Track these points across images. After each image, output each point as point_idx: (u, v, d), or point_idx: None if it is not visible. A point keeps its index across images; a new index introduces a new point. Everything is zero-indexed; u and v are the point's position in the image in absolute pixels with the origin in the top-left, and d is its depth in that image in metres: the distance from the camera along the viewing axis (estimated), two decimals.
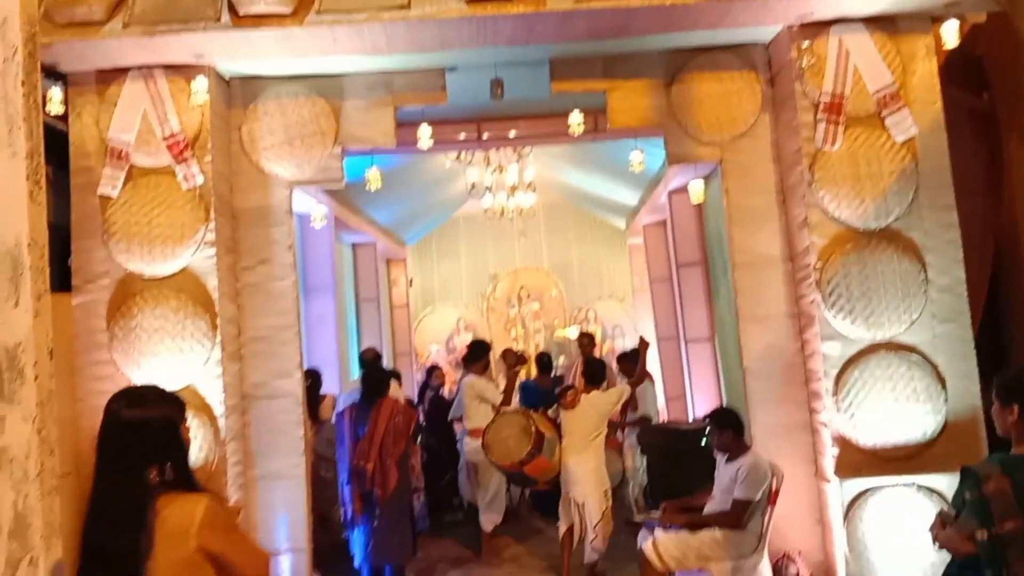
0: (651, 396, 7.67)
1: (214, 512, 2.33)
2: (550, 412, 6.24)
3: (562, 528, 5.98)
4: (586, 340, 8.81)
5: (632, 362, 7.38)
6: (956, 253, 4.79)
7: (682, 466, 6.29)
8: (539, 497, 7.63)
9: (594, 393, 6.13)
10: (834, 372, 4.80)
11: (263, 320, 5.13)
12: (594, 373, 6.28)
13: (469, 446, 6.62)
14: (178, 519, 2.29)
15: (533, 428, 5.76)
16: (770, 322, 5.15)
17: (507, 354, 7.21)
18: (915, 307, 4.74)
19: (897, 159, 4.80)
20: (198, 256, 4.84)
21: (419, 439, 7.32)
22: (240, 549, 2.35)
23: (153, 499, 2.30)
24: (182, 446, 2.42)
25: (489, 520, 6.65)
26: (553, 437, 5.93)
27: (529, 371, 9.88)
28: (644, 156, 5.91)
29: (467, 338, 13.01)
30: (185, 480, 2.38)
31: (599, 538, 5.77)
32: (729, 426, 4.71)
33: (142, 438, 2.34)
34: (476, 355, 6.88)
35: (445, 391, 8.82)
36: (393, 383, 6.12)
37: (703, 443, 6.41)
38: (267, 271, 5.14)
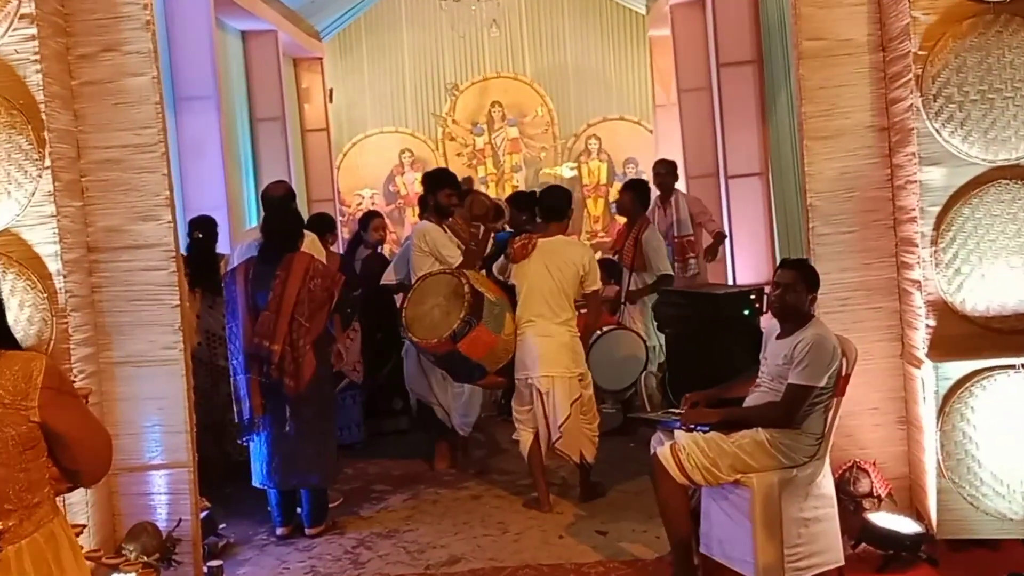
0: (661, 247, 7.88)
1: (56, 373, 2.39)
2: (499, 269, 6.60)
3: (523, 437, 6.30)
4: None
5: (636, 194, 7.86)
6: None
7: (713, 345, 6.51)
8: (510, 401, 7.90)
9: (557, 237, 6.38)
10: (935, 210, 4.86)
11: (114, 136, 5.08)
12: (551, 208, 6.51)
13: None
14: (8, 382, 2.35)
15: (466, 287, 6.02)
16: (847, 139, 5.17)
17: (475, 202, 7.26)
18: None
19: None
20: (9, 38, 4.74)
21: (353, 315, 7.50)
22: (83, 426, 2.41)
23: None
24: None
25: (467, 422, 7.12)
26: (500, 301, 6.25)
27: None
28: None
29: (414, 179, 13.07)
30: (3, 334, 2.42)
31: (569, 439, 6.13)
32: (804, 280, 4.82)
33: None
34: (435, 187, 7.04)
35: (387, 250, 8.89)
36: (311, 237, 6.19)
37: (746, 312, 6.61)
38: (116, 63, 5.05)
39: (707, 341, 6.66)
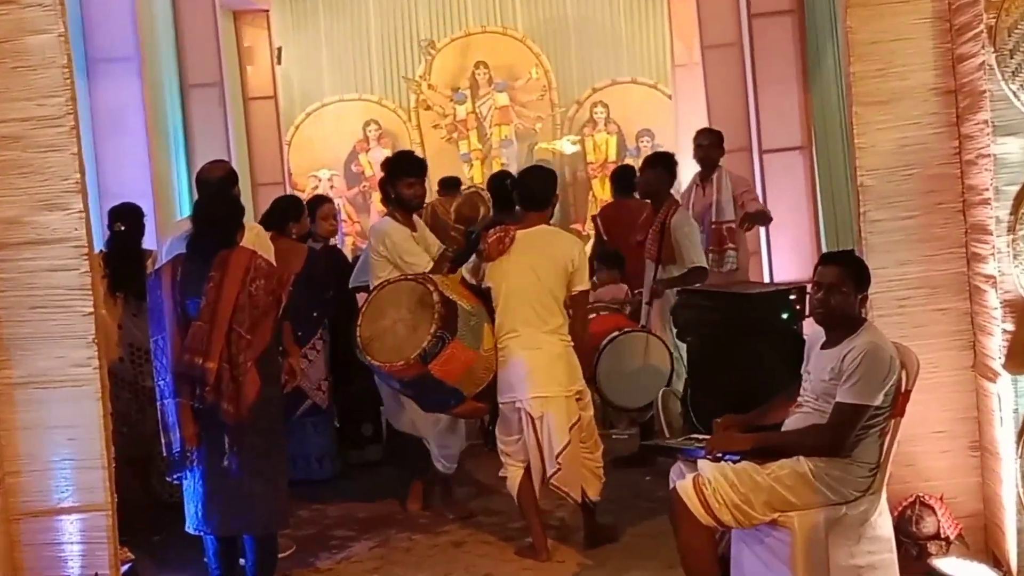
0: (694, 233, 7.84)
1: None
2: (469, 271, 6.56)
3: (511, 473, 6.28)
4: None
5: (664, 171, 7.87)
6: None
7: (744, 357, 6.50)
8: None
9: (539, 228, 6.36)
10: (1012, 190, 4.85)
11: (12, 107, 5.06)
12: (531, 193, 6.47)
13: None
14: None
15: (435, 295, 6.01)
16: (905, 105, 5.17)
17: (467, 202, 7.27)
18: None
19: None
20: None
21: (320, 322, 7.58)
22: None
23: None
24: None
25: (449, 455, 7.07)
26: (477, 309, 6.22)
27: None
28: None
29: (380, 156, 12.92)
30: None
31: (569, 472, 6.08)
32: (851, 277, 4.81)
33: None
34: (394, 174, 7.00)
35: (347, 246, 8.87)
36: (255, 230, 6.13)
37: (785, 316, 6.60)
38: (14, 17, 5.01)
39: (737, 352, 6.65)
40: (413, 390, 6.35)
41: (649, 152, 12.92)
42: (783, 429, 4.92)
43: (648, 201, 8.12)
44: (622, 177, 9.62)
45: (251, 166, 11.80)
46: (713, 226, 8.40)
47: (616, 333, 7.35)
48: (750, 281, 8.59)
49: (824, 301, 4.77)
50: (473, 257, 6.48)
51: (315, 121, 13.92)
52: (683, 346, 7.61)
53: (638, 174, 8.53)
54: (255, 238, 6.12)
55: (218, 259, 5.72)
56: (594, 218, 10.19)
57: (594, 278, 8.18)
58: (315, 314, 7.48)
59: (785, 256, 8.79)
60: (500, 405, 6.28)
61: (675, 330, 7.59)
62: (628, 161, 13.26)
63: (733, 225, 8.42)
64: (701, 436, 5.26)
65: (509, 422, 6.26)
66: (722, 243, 8.42)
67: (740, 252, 8.47)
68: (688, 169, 9.03)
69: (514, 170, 12.98)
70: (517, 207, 6.83)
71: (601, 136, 14.12)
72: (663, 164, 8.11)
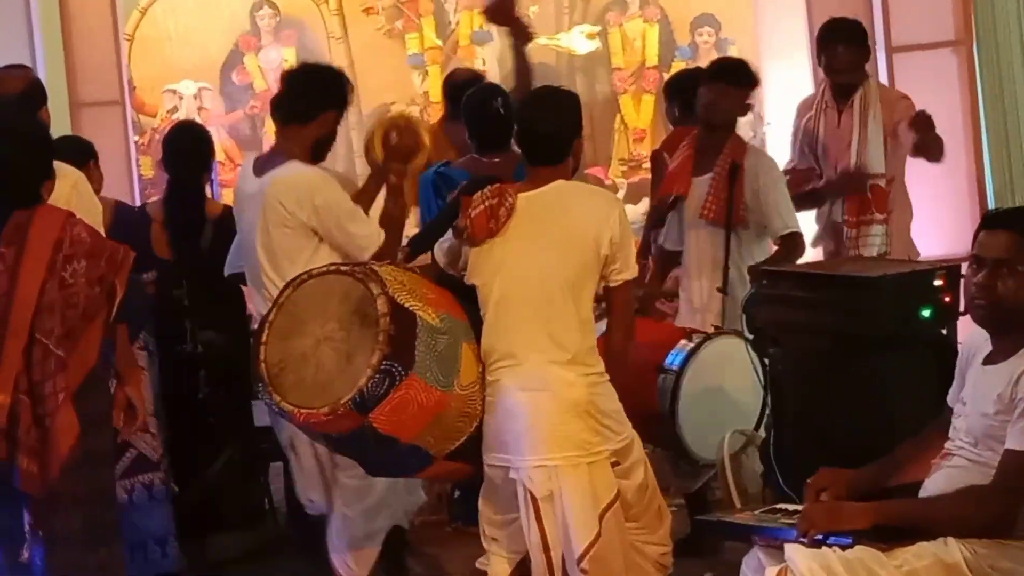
0: (781, 181, 7.99)
1: None
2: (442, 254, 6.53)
3: (494, 567, 6.32)
4: None
5: (733, 87, 7.97)
6: None
7: (860, 379, 6.54)
8: (473, 502, 7.89)
9: (554, 185, 6.34)
10: None
11: None
12: (538, 134, 6.39)
13: None
14: None
15: (381, 301, 5.92)
16: None
17: (403, 129, 7.37)
18: None
19: None
20: None
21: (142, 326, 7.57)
22: None
23: None
24: None
25: (368, 552, 7.13)
26: (448, 322, 6.20)
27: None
28: None
29: (278, 59, 13.22)
30: None
31: (605, 569, 6.05)
32: None
33: None
34: (308, 99, 7.12)
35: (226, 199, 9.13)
36: (71, 178, 6.24)
37: (925, 313, 6.62)
38: None
39: (847, 370, 6.68)
40: (349, 450, 6.36)
41: (711, 52, 13.02)
42: (921, 494, 4.94)
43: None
44: (685, 88, 9.50)
45: (69, 78, 11.87)
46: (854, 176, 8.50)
47: (700, 340, 7.42)
48: (868, 258, 8.47)
49: (989, 287, 4.77)
50: (448, 234, 6.42)
51: (172, 5, 14.06)
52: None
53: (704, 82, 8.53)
54: (72, 192, 6.13)
55: (9, 226, 5.74)
56: (657, 155, 9.90)
57: (647, 258, 8.28)
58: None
59: (926, 217, 8.80)
60: (486, 467, 6.25)
61: (750, 337, 7.62)
62: (680, 65, 13.31)
63: (884, 181, 8.49)
64: (791, 507, 5.27)
65: (497, 494, 6.26)
66: (864, 210, 8.49)
67: (893, 227, 8.52)
68: (775, 88, 9.10)
69: (496, 80, 13.08)
70: (518, 152, 6.86)
71: (634, 26, 14.08)
72: (731, 77, 8.22)
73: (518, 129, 6.70)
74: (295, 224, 6.83)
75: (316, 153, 7.06)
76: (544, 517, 6.02)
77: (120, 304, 5.93)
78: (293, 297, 6.18)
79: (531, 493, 6.03)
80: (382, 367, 5.79)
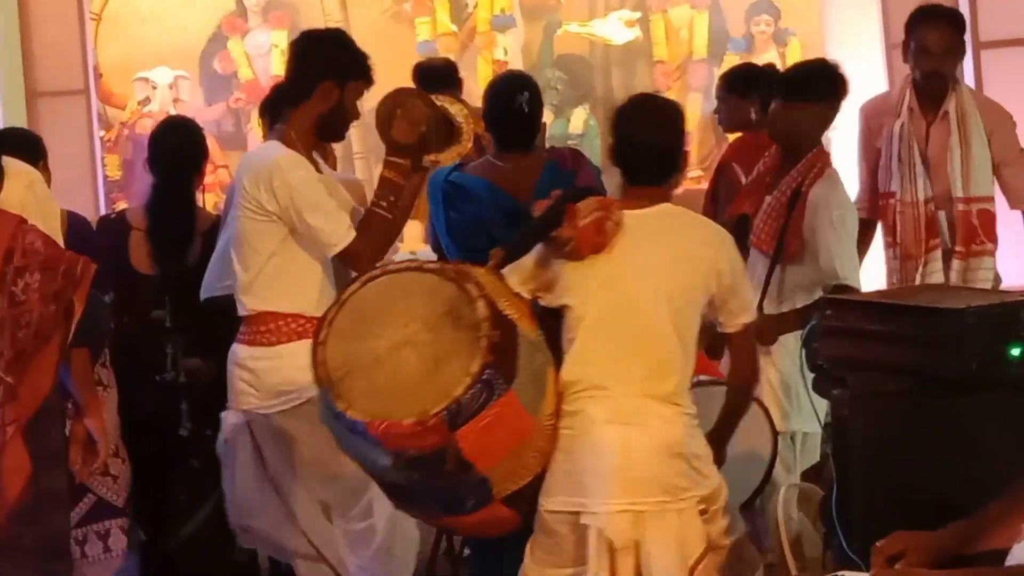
0: (852, 220, 7.91)
1: None
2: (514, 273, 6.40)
3: None
4: None
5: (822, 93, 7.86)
6: None
7: (942, 428, 6.44)
8: (484, 548, 7.97)
9: (660, 208, 6.38)
10: None
11: None
12: (655, 147, 6.47)
13: (251, 362, 7.13)
14: None
15: (482, 305, 5.82)
16: None
17: (409, 108, 7.40)
18: None
19: None
20: None
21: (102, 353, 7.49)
22: None
23: None
24: None
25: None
26: (540, 339, 6.18)
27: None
28: None
29: (267, 45, 13.38)
30: None
31: None
32: None
33: None
34: (299, 73, 7.30)
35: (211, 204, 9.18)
36: (26, 178, 6.33)
37: (1016, 352, 6.54)
38: None
39: (927, 416, 6.55)
40: (414, 475, 6.12)
41: (769, 44, 12.97)
42: (1008, 561, 4.79)
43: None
44: (750, 81, 9.49)
45: (25, 62, 12.02)
46: (959, 206, 8.34)
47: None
48: (948, 286, 8.42)
49: None
50: (538, 249, 6.36)
51: None
52: (823, 405, 7.58)
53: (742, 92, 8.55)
54: (27, 194, 6.08)
55: None
56: (724, 166, 9.97)
57: None
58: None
59: (1016, 240, 8.74)
60: (546, 514, 6.15)
61: (811, 375, 7.54)
62: (733, 59, 13.28)
63: (992, 207, 8.32)
64: (856, 574, 5.18)
65: (561, 545, 6.14)
66: (971, 238, 8.37)
67: (993, 255, 8.35)
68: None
69: (519, 66, 13.08)
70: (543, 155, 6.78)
71: (681, 13, 14.20)
72: (810, 93, 8.11)
73: (616, 143, 6.65)
74: (255, 207, 6.92)
75: (323, 132, 7.17)
76: (619, 572, 6.01)
77: (79, 324, 5.87)
78: (361, 294, 6.09)
79: (609, 543, 5.99)
80: (483, 376, 5.73)
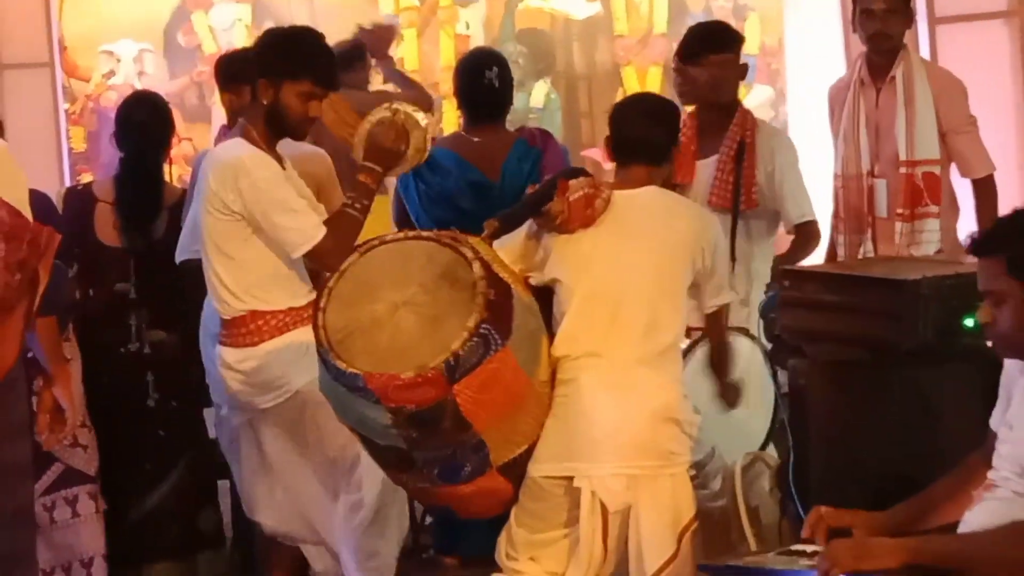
0: (796, 162, 8.13)
1: None
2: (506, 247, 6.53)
3: None
4: None
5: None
6: None
7: (894, 400, 6.48)
8: (450, 528, 8.23)
9: (648, 190, 6.55)
10: None
11: None
12: (650, 132, 6.67)
13: (240, 364, 7.11)
14: None
15: (477, 267, 5.96)
16: None
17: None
18: None
19: None
20: None
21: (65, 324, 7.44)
22: None
23: None
24: None
25: (376, 569, 7.28)
26: (535, 306, 6.33)
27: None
28: None
29: (232, 18, 13.49)
30: None
31: None
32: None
33: None
34: (292, 68, 7.11)
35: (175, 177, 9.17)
36: None
37: (968, 323, 6.60)
38: None
39: (881, 385, 6.59)
40: (412, 433, 6.13)
41: (728, 19, 12.98)
42: (960, 529, 4.82)
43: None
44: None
45: None
46: (902, 169, 8.41)
47: (693, 339, 7.45)
48: (906, 258, 8.39)
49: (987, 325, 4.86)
50: (528, 225, 6.53)
51: None
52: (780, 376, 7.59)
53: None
54: None
55: None
56: None
57: None
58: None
59: (969, 209, 8.78)
60: (538, 478, 6.28)
61: (769, 347, 7.59)
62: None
63: (938, 170, 8.40)
64: (811, 548, 5.15)
65: (550, 508, 6.25)
66: (916, 201, 8.41)
67: (945, 221, 8.45)
68: (800, 62, 9.07)
69: (481, 41, 13.08)
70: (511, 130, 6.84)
71: None
72: (728, 44, 8.36)
73: (611, 131, 6.88)
74: (220, 206, 6.92)
75: (273, 130, 7.09)
76: (608, 532, 6.14)
77: (44, 293, 5.88)
78: (360, 262, 6.21)
79: (603, 505, 6.11)
80: (480, 330, 5.84)
